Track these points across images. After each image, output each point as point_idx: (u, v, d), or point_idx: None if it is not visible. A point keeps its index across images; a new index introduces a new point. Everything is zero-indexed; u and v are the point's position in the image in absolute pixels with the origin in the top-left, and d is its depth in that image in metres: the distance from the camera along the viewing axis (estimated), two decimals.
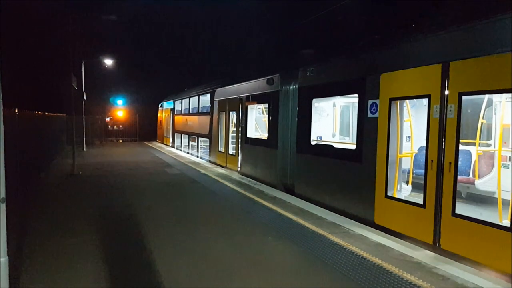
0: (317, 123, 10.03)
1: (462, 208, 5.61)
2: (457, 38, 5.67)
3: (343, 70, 8.43)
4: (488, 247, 5.02)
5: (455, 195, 5.50)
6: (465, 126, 5.90)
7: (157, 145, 28.34)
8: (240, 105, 13.71)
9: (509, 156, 6.66)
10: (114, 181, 11.72)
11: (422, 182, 6.42)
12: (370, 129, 7.20)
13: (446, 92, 5.60)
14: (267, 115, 12.03)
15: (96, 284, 4.54)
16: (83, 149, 21.93)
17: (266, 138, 12.01)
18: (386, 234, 6.44)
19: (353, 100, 9.38)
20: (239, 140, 13.84)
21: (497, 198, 5.73)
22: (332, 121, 10.73)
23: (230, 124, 14.94)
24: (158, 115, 32.18)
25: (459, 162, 5.59)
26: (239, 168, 13.79)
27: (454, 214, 5.46)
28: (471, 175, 7.29)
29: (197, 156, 19.90)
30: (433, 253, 5.53)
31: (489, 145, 7.39)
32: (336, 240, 6.14)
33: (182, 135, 23.76)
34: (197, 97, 20.15)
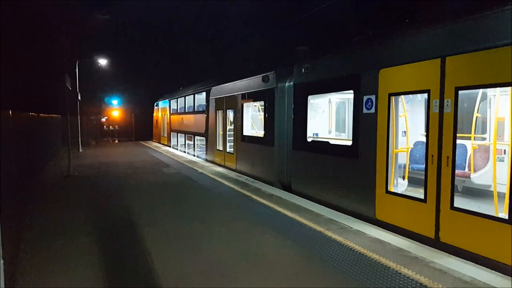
0: (313, 120, 10.03)
1: (458, 202, 5.64)
2: (452, 32, 5.68)
3: (338, 67, 8.43)
4: (486, 239, 5.06)
5: (453, 189, 5.53)
6: (460, 120, 5.91)
7: (153, 144, 28.26)
8: (235, 103, 13.68)
9: (504, 150, 6.70)
10: (110, 182, 11.68)
11: (418, 176, 6.43)
12: (366, 124, 7.21)
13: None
14: (263, 113, 12.02)
15: (93, 285, 4.52)
16: (79, 150, 21.82)
17: (262, 136, 12.00)
18: (383, 230, 6.46)
19: (348, 96, 9.40)
20: (236, 138, 13.83)
21: (492, 191, 5.77)
22: (328, 117, 10.74)
23: (227, 122, 14.92)
24: (154, 114, 32.09)
25: (456, 156, 5.62)
26: (236, 166, 13.78)
27: (452, 207, 5.49)
28: (466, 169, 7.32)
29: (194, 155, 19.87)
30: (431, 247, 5.56)
31: (484, 139, 7.42)
32: (334, 236, 6.15)
33: (178, 134, 23.71)
34: (192, 95, 20.10)
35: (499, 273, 4.64)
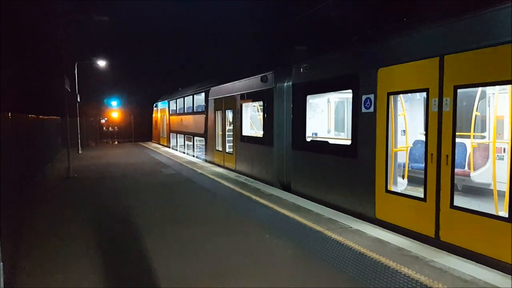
0: (312, 120, 10.02)
1: (458, 201, 5.63)
2: (450, 30, 5.67)
3: (337, 66, 8.42)
4: (486, 237, 5.05)
5: (453, 188, 5.53)
6: (459, 118, 5.91)
7: (152, 145, 28.24)
8: (234, 103, 13.67)
9: (504, 148, 6.69)
10: (110, 183, 11.67)
11: (418, 175, 6.42)
12: (365, 124, 7.20)
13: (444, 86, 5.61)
14: (262, 113, 12.01)
15: (93, 286, 4.51)
16: (78, 152, 21.81)
17: (261, 136, 11.99)
18: (383, 229, 6.45)
19: (347, 95, 9.39)
20: (235, 138, 13.82)
21: (492, 189, 5.76)
22: (327, 117, 10.74)
23: (226, 123, 14.91)
24: (153, 115, 32.08)
25: (455, 155, 5.61)
26: (235, 167, 13.77)
27: (452, 206, 5.48)
28: (466, 168, 7.32)
29: (193, 156, 19.85)
30: (431, 246, 5.55)
31: (483, 137, 7.42)
32: (334, 236, 6.14)
33: (178, 135, 23.70)
34: (191, 96, 20.09)
35: (500, 272, 4.63)
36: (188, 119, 20.74)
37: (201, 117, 17.97)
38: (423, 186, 6.01)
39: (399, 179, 7.08)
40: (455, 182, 5.69)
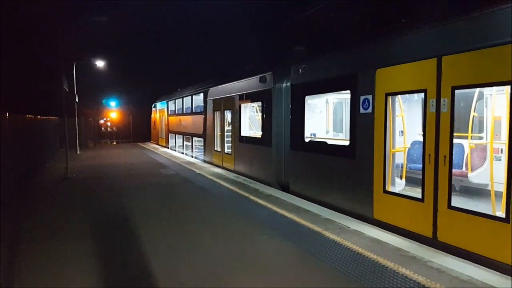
0: (311, 120, 10.04)
1: (456, 201, 5.65)
2: (448, 31, 5.69)
3: (335, 67, 8.44)
4: (483, 238, 5.07)
5: (450, 188, 5.55)
6: (457, 119, 5.93)
7: (151, 146, 28.23)
8: (233, 104, 13.68)
9: (501, 149, 6.72)
10: (108, 184, 11.66)
11: (415, 176, 6.43)
12: (363, 124, 7.22)
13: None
14: (260, 113, 12.02)
15: (92, 286, 4.53)
16: (77, 152, 21.78)
17: (260, 136, 12.00)
18: (381, 229, 6.47)
19: (345, 96, 9.41)
20: (234, 139, 13.83)
21: (489, 190, 5.78)
22: (326, 117, 10.75)
23: (225, 123, 14.92)
24: (152, 115, 32.07)
25: (453, 156, 5.63)
26: (234, 167, 13.78)
27: (450, 206, 5.50)
28: (464, 168, 7.34)
29: (192, 156, 19.85)
30: (429, 247, 5.57)
31: (481, 138, 7.44)
32: (332, 236, 6.16)
33: (176, 135, 23.69)
34: (190, 96, 20.09)
35: (497, 272, 4.65)
36: (187, 120, 20.74)
37: (200, 118, 17.97)
38: (421, 187, 6.03)
39: (397, 180, 7.10)
40: (453, 182, 5.71)
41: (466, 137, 7.04)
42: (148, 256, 5.44)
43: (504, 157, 5.58)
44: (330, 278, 4.69)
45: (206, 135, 17.26)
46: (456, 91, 5.47)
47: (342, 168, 7.93)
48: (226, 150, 14.75)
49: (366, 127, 7.10)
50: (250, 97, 12.57)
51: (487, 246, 5.02)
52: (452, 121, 5.50)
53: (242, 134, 13.18)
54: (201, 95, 18.00)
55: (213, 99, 16.00)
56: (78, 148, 22.43)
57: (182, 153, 21.93)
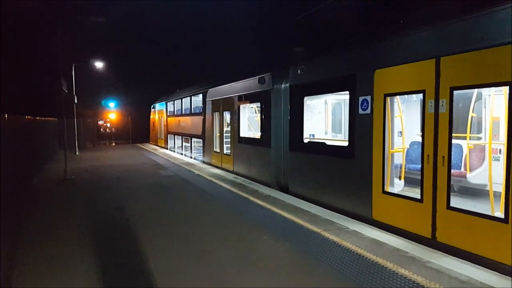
0: (309, 121, 10.04)
1: (455, 201, 5.66)
2: (446, 32, 5.70)
3: (333, 68, 8.45)
4: (482, 238, 5.08)
5: (449, 189, 5.55)
6: (455, 120, 5.94)
7: (150, 147, 28.20)
8: (232, 104, 13.69)
9: (500, 149, 6.73)
10: (107, 185, 11.65)
11: (414, 176, 6.42)
12: (362, 125, 7.23)
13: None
14: (259, 114, 12.02)
15: (91, 286, 4.52)
16: (76, 153, 21.75)
17: (259, 137, 12.01)
18: (380, 230, 6.47)
19: (344, 97, 9.42)
20: (233, 139, 13.83)
21: (488, 190, 5.79)
22: (324, 118, 10.76)
23: (224, 124, 14.92)
24: (151, 116, 32.04)
25: (452, 156, 5.64)
26: (233, 168, 13.77)
27: (448, 207, 5.51)
28: (462, 169, 7.35)
29: (191, 157, 19.84)
30: (428, 247, 5.57)
31: (479, 139, 7.45)
32: (331, 237, 6.16)
33: (176, 136, 23.68)
34: (189, 97, 20.09)
35: (496, 272, 4.65)
36: (186, 121, 20.74)
37: (199, 119, 17.97)
38: (419, 187, 6.04)
39: (396, 180, 7.11)
40: (452, 183, 5.72)
41: (465, 138, 7.05)
42: (147, 257, 5.43)
43: (503, 157, 5.59)
44: (329, 279, 4.69)
45: (205, 136, 17.26)
46: (455, 92, 5.48)
47: (341, 168, 7.94)
48: (225, 151, 14.75)
49: (365, 127, 7.11)
50: (249, 98, 12.58)
51: (486, 247, 5.03)
52: (450, 122, 5.51)
53: (241, 135, 13.18)
54: (200, 96, 18.00)
55: (212, 100, 16.00)
56: (77, 149, 22.40)
57: (181, 154, 21.91)
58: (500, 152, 6.75)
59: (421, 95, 6.07)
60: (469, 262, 4.97)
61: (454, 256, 5.21)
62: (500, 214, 5.07)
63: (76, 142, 22.57)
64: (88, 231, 6.80)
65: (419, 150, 6.43)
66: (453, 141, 5.70)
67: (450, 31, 5.62)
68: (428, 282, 4.43)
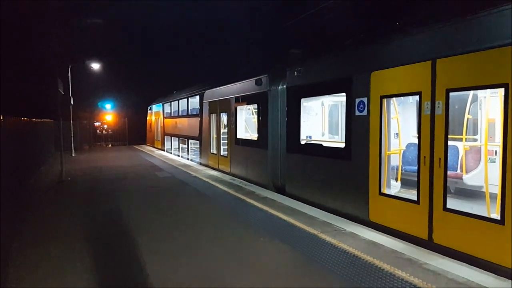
0: (306, 123, 10.06)
1: (451, 203, 5.68)
2: (443, 34, 5.73)
3: (330, 69, 8.46)
4: (479, 240, 5.09)
5: (445, 190, 5.57)
6: (452, 121, 5.96)
7: (147, 148, 28.14)
8: (229, 106, 13.68)
9: (495, 151, 6.76)
10: (103, 187, 11.60)
11: (411, 178, 6.43)
12: (359, 127, 7.24)
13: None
14: (256, 116, 12.03)
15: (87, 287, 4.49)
16: (72, 155, 21.66)
17: (256, 139, 12.01)
18: (377, 232, 6.48)
19: (341, 98, 9.43)
20: (230, 141, 13.82)
21: (484, 192, 5.81)
22: (321, 120, 10.78)
23: (221, 126, 14.91)
24: (148, 118, 31.98)
25: (448, 158, 5.66)
26: (230, 170, 13.76)
27: (445, 208, 5.53)
28: (459, 170, 7.38)
29: (188, 159, 19.81)
30: (425, 249, 5.58)
31: (475, 140, 7.49)
32: (328, 238, 6.16)
33: (172, 138, 23.64)
34: (186, 99, 20.07)
35: (493, 274, 4.66)
36: (183, 122, 20.71)
37: (196, 120, 17.95)
38: (416, 189, 6.06)
39: (393, 182, 7.13)
40: (448, 184, 5.74)
41: (461, 139, 7.08)
42: (143, 259, 5.41)
43: (498, 159, 5.62)
44: (326, 281, 4.68)
45: (202, 138, 17.24)
46: (451, 94, 5.51)
47: (338, 170, 7.94)
48: (222, 153, 14.74)
49: (362, 129, 7.12)
50: (246, 99, 12.58)
51: (483, 248, 5.04)
52: (446, 124, 5.53)
53: (238, 136, 13.18)
54: (197, 97, 17.99)
55: (209, 102, 15.99)
56: (73, 151, 22.31)
57: (178, 155, 21.87)
58: (496, 154, 6.78)
59: (417, 97, 6.09)
60: (466, 264, 4.99)
61: (451, 257, 5.22)
62: (496, 215, 5.09)
63: (72, 143, 22.48)
64: (84, 233, 6.76)
65: (415, 152, 6.45)
66: (449, 142, 5.72)
67: (446, 33, 5.64)
68: (425, 284, 4.43)
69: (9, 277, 4.89)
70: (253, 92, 11.83)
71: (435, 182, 5.66)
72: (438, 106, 5.60)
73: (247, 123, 13.54)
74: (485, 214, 5.34)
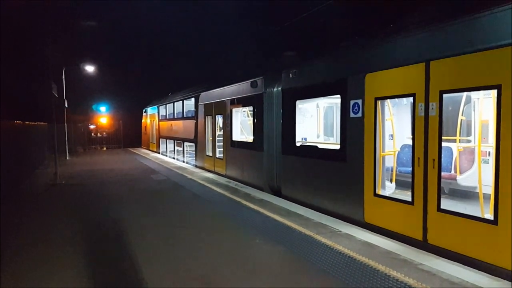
0: (302, 125, 10.08)
1: (445, 204, 5.71)
2: (436, 36, 5.78)
3: (325, 72, 8.50)
4: (473, 240, 5.12)
5: (439, 191, 5.60)
6: (445, 123, 6.00)
7: (142, 151, 28.04)
8: (224, 108, 13.68)
9: (489, 152, 6.82)
10: (98, 190, 11.54)
11: (405, 179, 6.46)
12: (353, 128, 7.27)
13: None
14: (252, 118, 12.03)
15: None
16: (66, 158, 21.54)
17: (251, 141, 12.01)
18: (372, 233, 6.50)
19: (336, 100, 9.47)
20: (225, 143, 13.82)
21: (478, 192, 5.86)
22: (316, 122, 10.81)
23: (216, 128, 14.90)
24: (143, 121, 31.89)
25: (442, 159, 5.70)
26: (225, 172, 13.75)
27: (439, 209, 5.56)
28: (453, 171, 7.43)
29: (183, 161, 19.76)
30: (420, 250, 5.61)
31: (469, 141, 7.55)
32: (323, 240, 6.17)
33: (168, 140, 23.58)
34: (181, 101, 20.04)
35: (487, 274, 4.69)
36: (178, 125, 20.67)
37: (191, 123, 17.93)
38: (410, 190, 6.09)
39: (387, 183, 7.16)
40: (442, 185, 5.77)
41: (455, 141, 7.13)
42: (138, 262, 5.38)
43: (492, 160, 5.67)
44: (321, 282, 4.69)
45: (197, 140, 17.21)
46: (444, 95, 5.55)
47: (333, 172, 7.97)
48: (217, 155, 14.72)
49: (356, 131, 7.15)
50: (242, 101, 12.59)
51: (476, 248, 5.08)
52: (440, 125, 5.57)
53: (234, 138, 13.17)
54: (192, 100, 17.97)
55: (204, 104, 15.98)
56: (67, 154, 22.19)
57: (174, 158, 21.82)
58: (489, 155, 6.84)
59: (411, 99, 6.13)
60: (461, 264, 5.02)
61: (445, 258, 5.25)
62: (489, 216, 5.12)
63: (67, 146, 22.36)
64: (77, 236, 6.72)
65: (409, 153, 6.48)
66: (443, 144, 5.75)
67: (439, 35, 5.69)
68: (420, 284, 4.45)
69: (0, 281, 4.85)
70: (248, 94, 11.85)
71: (429, 183, 5.70)
72: (432, 108, 5.65)
73: (242, 125, 13.55)
74: (479, 215, 5.38)
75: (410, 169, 6.15)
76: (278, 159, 10.42)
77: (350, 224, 7.07)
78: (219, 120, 14.60)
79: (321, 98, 9.81)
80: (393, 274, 4.76)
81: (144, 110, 31.16)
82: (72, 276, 4.97)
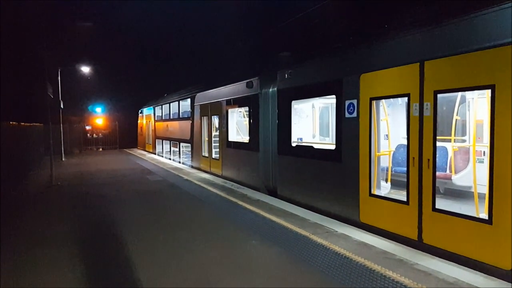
0: (297, 125, 10.09)
1: (440, 203, 5.73)
2: (430, 37, 5.79)
3: (320, 72, 8.51)
4: (468, 239, 5.14)
5: (434, 191, 5.62)
6: (440, 122, 6.02)
7: (138, 152, 27.95)
8: (220, 109, 13.67)
9: (484, 151, 6.85)
10: (94, 191, 11.49)
11: (400, 179, 6.47)
12: (349, 129, 7.28)
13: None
14: (248, 118, 12.03)
15: None
16: (62, 159, 21.43)
17: (247, 142, 12.00)
18: (368, 233, 6.51)
19: (331, 101, 9.48)
20: (221, 144, 13.80)
21: (473, 192, 5.88)
22: (312, 122, 10.82)
23: (212, 128, 14.89)
24: (138, 121, 31.80)
25: (436, 159, 5.72)
26: (221, 172, 13.73)
27: (434, 209, 5.57)
28: (448, 171, 7.46)
29: (179, 162, 19.72)
30: (415, 250, 5.62)
31: (464, 141, 7.58)
32: (319, 240, 6.17)
33: (164, 141, 23.53)
34: (177, 102, 20.01)
35: (482, 273, 4.71)
36: (174, 125, 20.63)
37: (187, 123, 17.89)
38: (405, 190, 6.10)
39: (383, 183, 7.18)
40: (437, 185, 5.79)
41: (450, 140, 7.15)
42: (133, 263, 5.36)
43: (487, 159, 5.69)
44: (317, 282, 4.69)
45: (193, 141, 17.19)
46: (439, 95, 5.57)
47: (329, 172, 7.97)
48: (213, 156, 14.70)
49: (352, 131, 7.16)
50: (237, 102, 12.58)
51: (471, 248, 5.10)
52: (435, 125, 5.59)
53: (230, 139, 13.16)
54: (188, 100, 17.94)
55: (200, 105, 15.96)
56: (63, 155, 22.08)
57: (170, 159, 21.77)
58: (484, 154, 6.87)
59: (406, 99, 6.15)
60: (456, 264, 5.03)
61: (440, 257, 5.27)
62: (484, 215, 5.14)
63: (62, 148, 22.25)
64: (73, 237, 6.68)
65: (404, 153, 6.50)
66: (438, 143, 5.78)
67: (433, 35, 5.71)
68: (416, 284, 4.46)
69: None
70: (244, 95, 11.84)
71: (424, 183, 5.71)
72: (427, 108, 5.66)
73: (238, 125, 13.54)
74: (474, 214, 5.40)
75: (405, 169, 6.16)
76: (274, 160, 10.42)
77: (346, 224, 7.08)
78: (215, 120, 14.59)
79: (317, 98, 9.82)
80: (389, 274, 4.77)
81: (140, 111, 31.08)
82: (68, 276, 4.94)
